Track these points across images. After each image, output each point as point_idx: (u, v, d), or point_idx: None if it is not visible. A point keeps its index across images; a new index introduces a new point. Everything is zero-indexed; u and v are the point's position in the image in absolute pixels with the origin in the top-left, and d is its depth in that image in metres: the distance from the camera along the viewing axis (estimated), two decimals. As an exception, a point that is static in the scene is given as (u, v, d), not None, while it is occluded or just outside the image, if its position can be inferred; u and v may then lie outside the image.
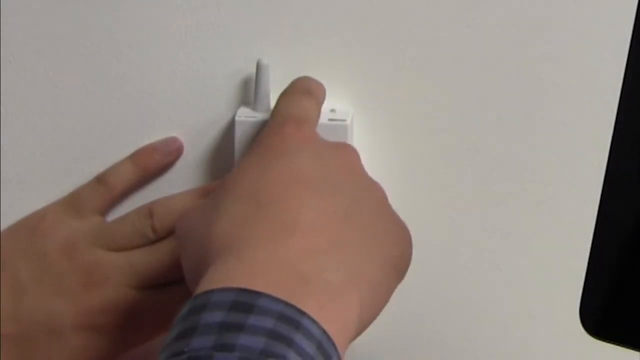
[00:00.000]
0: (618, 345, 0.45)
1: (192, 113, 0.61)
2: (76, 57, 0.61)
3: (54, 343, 0.58)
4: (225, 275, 0.42)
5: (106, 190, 0.60)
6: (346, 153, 0.51)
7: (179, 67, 0.61)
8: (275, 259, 0.43)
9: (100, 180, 0.61)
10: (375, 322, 0.65)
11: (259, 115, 0.58)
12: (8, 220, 0.62)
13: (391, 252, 0.48)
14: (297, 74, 0.59)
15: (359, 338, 0.66)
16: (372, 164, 0.55)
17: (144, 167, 0.61)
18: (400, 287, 0.64)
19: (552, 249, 0.62)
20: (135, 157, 0.61)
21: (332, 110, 0.58)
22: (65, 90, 0.61)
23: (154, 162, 0.61)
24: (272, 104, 0.59)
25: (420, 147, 0.61)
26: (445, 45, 0.59)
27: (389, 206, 0.50)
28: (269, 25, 0.60)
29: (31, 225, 0.60)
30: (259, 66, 0.58)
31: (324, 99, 0.57)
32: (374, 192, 0.50)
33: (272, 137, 0.50)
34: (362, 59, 0.60)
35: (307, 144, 0.50)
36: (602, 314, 0.45)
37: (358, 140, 0.60)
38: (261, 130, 0.56)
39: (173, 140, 0.61)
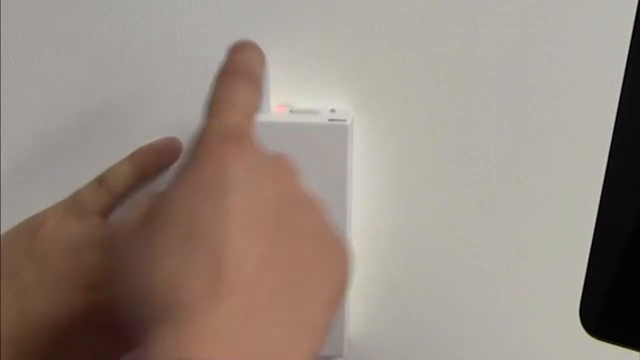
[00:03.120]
0: (618, 345, 0.45)
1: (192, 113, 0.61)
2: (76, 57, 0.61)
3: (56, 345, 0.58)
4: (174, 344, 0.42)
5: (106, 191, 0.60)
6: (286, 172, 0.49)
7: (179, 67, 0.61)
8: (221, 322, 0.43)
9: (99, 181, 0.61)
10: (375, 321, 0.65)
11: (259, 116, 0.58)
12: (8, 220, 0.62)
13: (334, 287, 0.48)
14: (297, 74, 0.58)
15: (359, 338, 0.66)
16: (372, 164, 0.55)
17: (143, 167, 0.60)
18: (400, 287, 0.64)
19: (552, 249, 0.62)
20: (134, 157, 0.61)
21: (332, 110, 0.58)
22: (65, 90, 0.61)
23: (154, 162, 0.61)
24: (272, 104, 0.59)
25: (420, 147, 0.61)
26: (445, 45, 0.59)
27: (328, 227, 0.49)
28: (269, 25, 0.60)
29: (32, 228, 0.60)
30: (259, 66, 0.58)
31: (263, 74, 0.52)
32: (314, 215, 0.49)
33: (209, 159, 0.47)
34: (362, 59, 0.60)
35: (246, 172, 0.47)
36: (602, 314, 0.45)
37: (358, 140, 0.60)
38: (200, 138, 0.49)
39: (173, 140, 0.61)
